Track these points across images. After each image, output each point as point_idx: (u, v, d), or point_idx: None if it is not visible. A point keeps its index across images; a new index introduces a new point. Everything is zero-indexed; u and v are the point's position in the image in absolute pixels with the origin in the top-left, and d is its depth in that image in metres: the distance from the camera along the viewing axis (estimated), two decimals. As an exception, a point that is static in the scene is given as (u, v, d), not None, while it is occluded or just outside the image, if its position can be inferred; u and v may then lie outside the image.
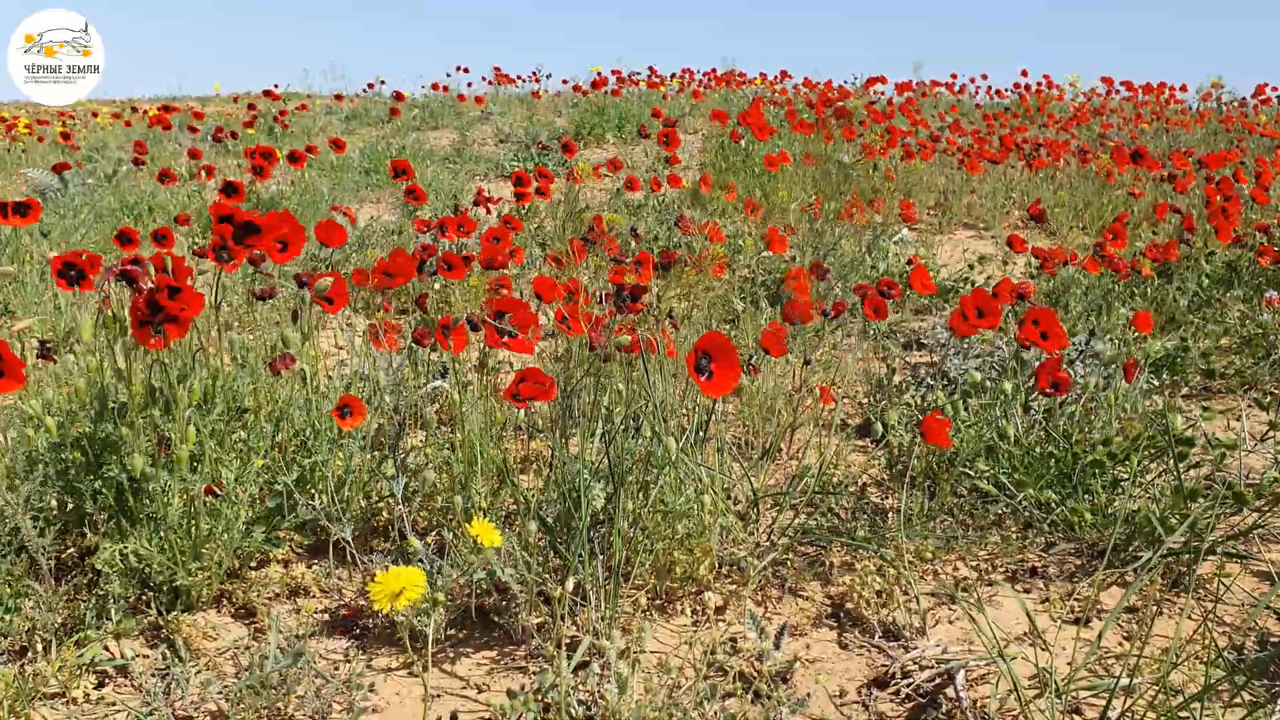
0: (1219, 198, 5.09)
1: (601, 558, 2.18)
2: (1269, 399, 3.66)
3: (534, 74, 17.76)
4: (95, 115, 14.98)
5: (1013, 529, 2.57)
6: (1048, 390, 2.50)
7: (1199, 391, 3.76)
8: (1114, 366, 3.32)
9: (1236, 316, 4.35)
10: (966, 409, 2.93)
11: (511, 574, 2.15)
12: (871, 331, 4.49)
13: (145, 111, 17.15)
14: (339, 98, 13.83)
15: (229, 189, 4.72)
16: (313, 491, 2.61)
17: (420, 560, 2.25)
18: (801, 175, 6.53)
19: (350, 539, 2.38)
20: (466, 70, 17.29)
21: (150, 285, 2.08)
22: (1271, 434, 2.97)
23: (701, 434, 2.60)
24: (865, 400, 3.58)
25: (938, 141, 7.98)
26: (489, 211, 5.24)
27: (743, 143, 6.82)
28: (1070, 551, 2.49)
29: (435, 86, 13.05)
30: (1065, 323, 4.10)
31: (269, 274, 3.50)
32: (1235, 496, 2.20)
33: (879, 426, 2.94)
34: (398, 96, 9.03)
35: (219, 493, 2.32)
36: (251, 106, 11.35)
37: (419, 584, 1.47)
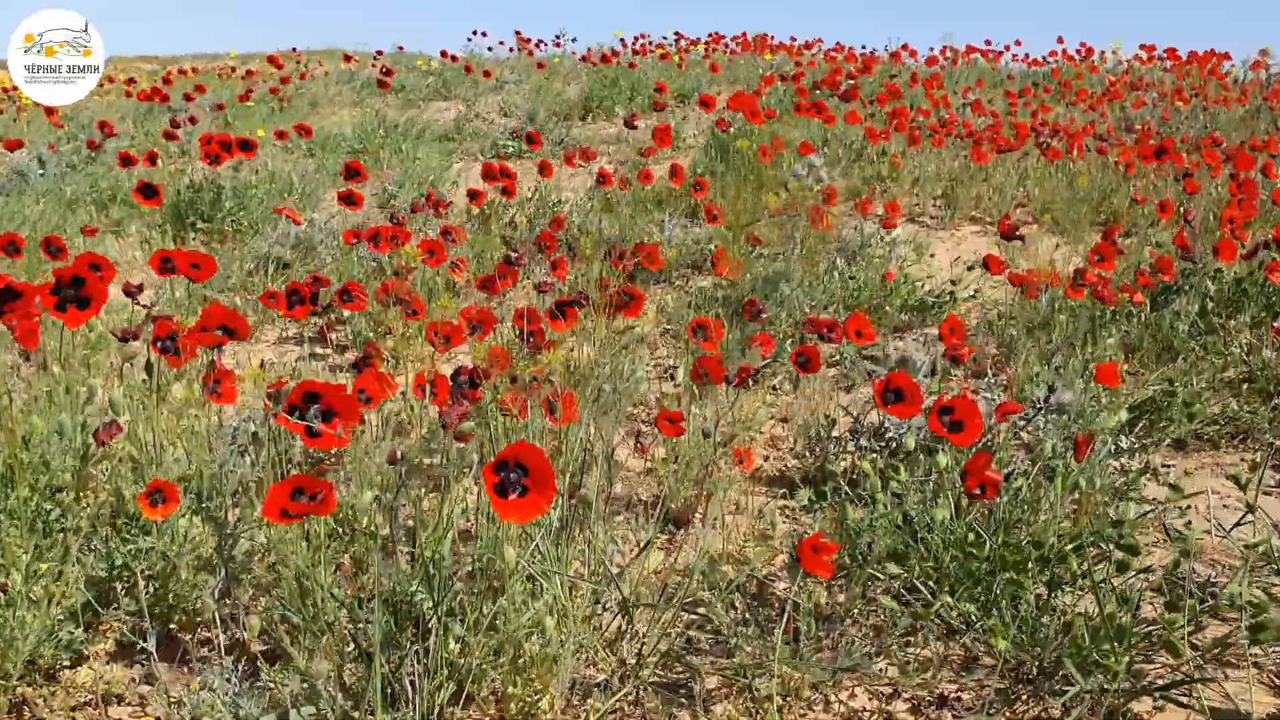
0: (1236, 199, 4.63)
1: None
2: (1259, 452, 3.26)
3: (556, 38, 17.30)
4: (111, 80, 14.79)
5: (928, 642, 2.21)
6: (975, 494, 2.13)
7: (1188, 438, 3.35)
8: (1080, 423, 2.93)
9: (1241, 347, 3.92)
10: (896, 480, 2.56)
11: (310, 713, 1.84)
12: (842, 356, 4.11)
13: (170, 74, 16.97)
14: (348, 59, 13.48)
15: (146, 191, 4.42)
16: (140, 579, 2.31)
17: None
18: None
19: (155, 647, 2.08)
20: (485, 34, 16.89)
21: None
22: (1249, 517, 2.57)
23: (576, 508, 2.28)
24: (803, 452, 3.21)
25: (952, 126, 7.50)
26: (439, 215, 4.89)
27: (732, 130, 6.41)
28: (993, 671, 2.14)
29: (444, 55, 12.65)
30: (1045, 356, 3.70)
31: (146, 305, 3.20)
32: (1166, 645, 1.84)
33: (805, 494, 2.59)
34: (386, 72, 8.67)
35: (6, 593, 2.04)
36: (250, 73, 11.05)
37: None
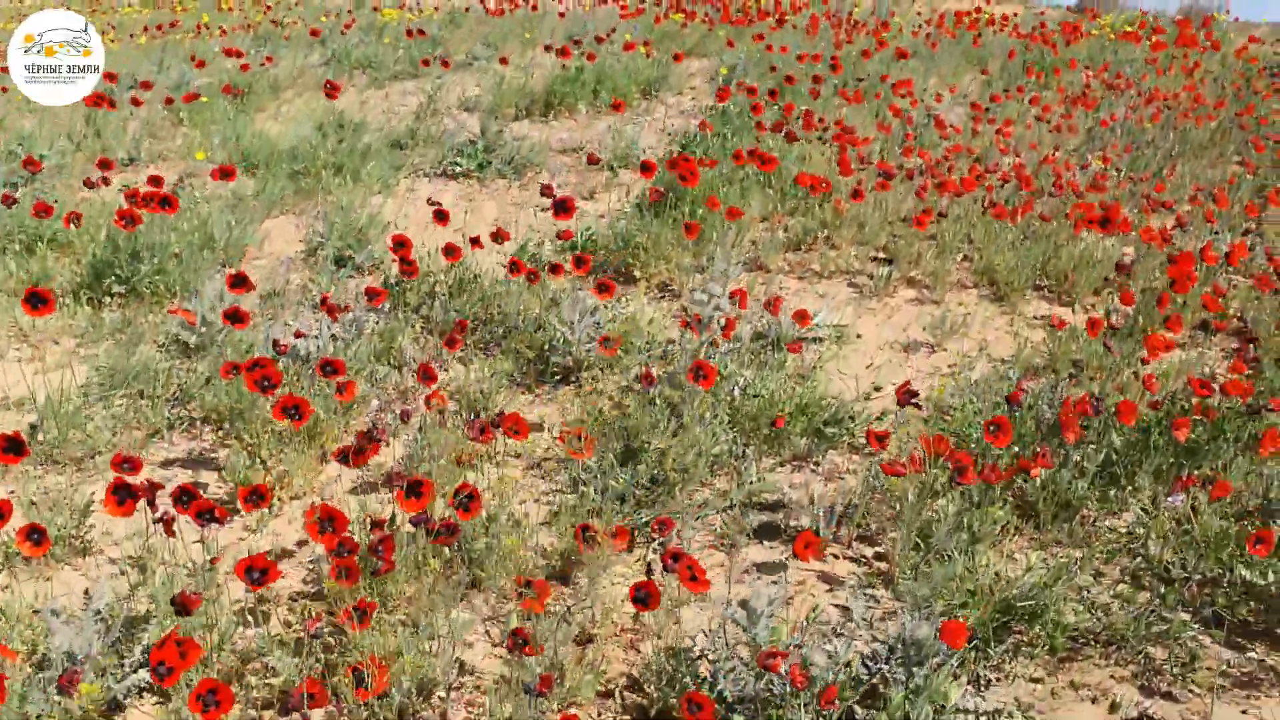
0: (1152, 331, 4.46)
1: None
2: (1133, 666, 3.16)
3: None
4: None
5: None
6: None
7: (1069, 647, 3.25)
8: (931, 666, 2.83)
9: (1143, 505, 3.79)
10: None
11: None
12: (731, 504, 3.99)
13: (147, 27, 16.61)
14: (315, 33, 13.11)
15: (33, 300, 4.25)
16: None
17: None
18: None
19: None
20: (466, -9, 16.33)
21: None
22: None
23: None
24: (650, 679, 3.10)
25: (907, 154, 7.26)
26: (334, 318, 4.69)
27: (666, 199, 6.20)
28: None
29: (409, 34, 12.25)
30: (925, 545, 3.58)
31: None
32: None
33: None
34: (332, 87, 8.29)
35: None
36: (201, 64, 10.75)
37: None
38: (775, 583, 3.25)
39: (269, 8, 26.48)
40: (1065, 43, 11.31)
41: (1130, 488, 3.85)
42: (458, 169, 8.23)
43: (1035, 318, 5.68)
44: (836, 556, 3.72)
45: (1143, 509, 3.79)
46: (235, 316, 4.36)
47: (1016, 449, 4.01)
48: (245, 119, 9.95)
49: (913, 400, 3.76)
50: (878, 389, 4.64)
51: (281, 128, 10.03)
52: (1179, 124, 8.30)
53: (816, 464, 4.27)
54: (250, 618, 3.39)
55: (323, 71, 12.45)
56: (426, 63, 11.15)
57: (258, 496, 3.38)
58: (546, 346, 4.92)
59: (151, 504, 3.15)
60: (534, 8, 15.71)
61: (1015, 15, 17.49)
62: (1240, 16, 21.98)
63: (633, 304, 5.69)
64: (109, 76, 9.95)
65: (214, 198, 7.53)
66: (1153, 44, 10.93)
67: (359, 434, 3.51)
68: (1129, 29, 12.36)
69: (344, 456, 3.51)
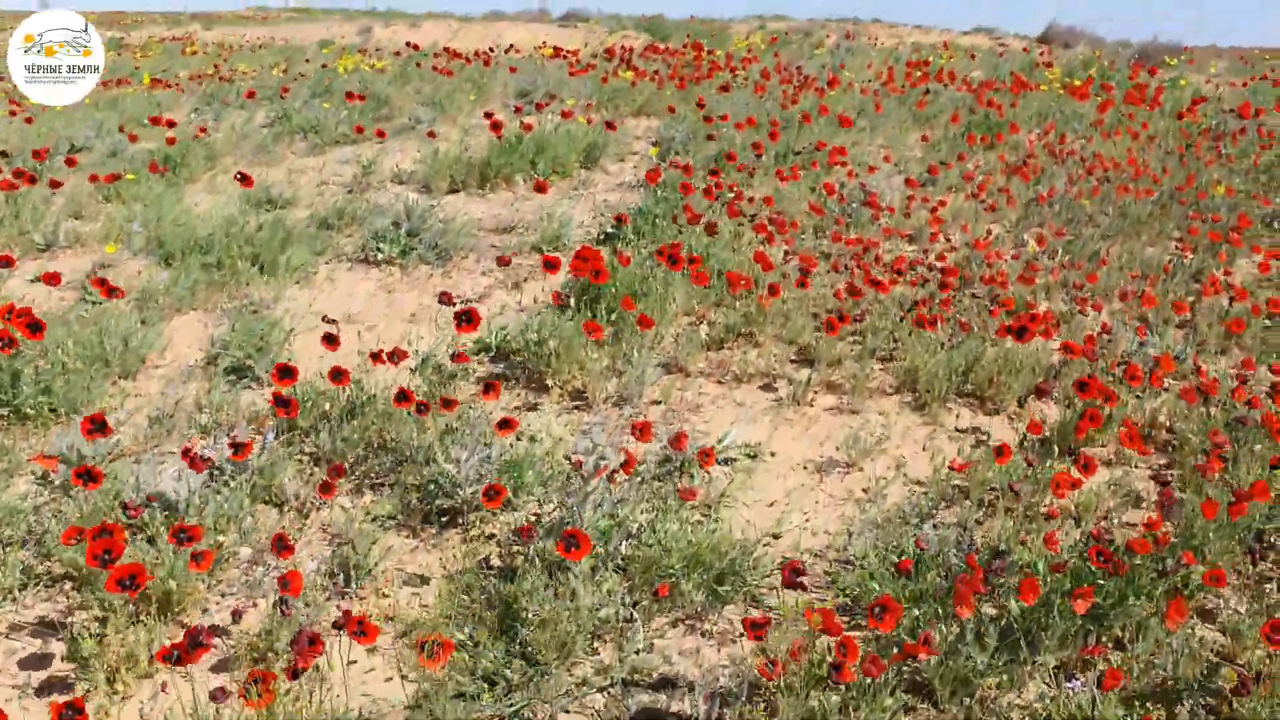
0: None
1: None
2: None
3: (487, 53, 16.67)
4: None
5: None
6: None
7: None
8: None
9: (1044, 681, 3.55)
10: None
11: None
12: (611, 681, 3.73)
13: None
14: (251, 95, 12.88)
15: None
16: None
17: None
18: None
19: None
20: (417, 47, 16.17)
21: None
22: None
23: None
24: None
25: (827, 256, 7.06)
26: (197, 469, 4.38)
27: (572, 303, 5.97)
28: None
29: (349, 97, 12.01)
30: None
31: None
32: None
33: None
34: (245, 179, 7.94)
35: None
36: (134, 138, 10.47)
37: None
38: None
39: (231, 51, 26.27)
40: (1010, 103, 11.15)
41: (1032, 663, 3.59)
42: (379, 255, 7.96)
43: (957, 430, 5.45)
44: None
45: (1045, 683, 3.55)
46: (88, 476, 4.08)
47: (917, 612, 3.78)
48: (174, 194, 9.68)
49: (798, 582, 3.51)
50: (776, 536, 4.40)
51: (212, 202, 9.76)
52: (1118, 197, 8.11)
53: (705, 631, 4.00)
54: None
55: (265, 134, 12.24)
56: (370, 131, 10.93)
57: (73, 711, 3.10)
58: (432, 485, 4.65)
59: None
60: (486, 63, 15.54)
61: (974, 59, 17.47)
62: (1198, 43, 22.06)
63: (539, 419, 5.45)
64: (36, 154, 9.67)
65: (126, 289, 7.23)
66: (1100, 104, 10.76)
67: (187, 632, 3.22)
68: (1077, 84, 12.21)
69: (171, 656, 3.23)
